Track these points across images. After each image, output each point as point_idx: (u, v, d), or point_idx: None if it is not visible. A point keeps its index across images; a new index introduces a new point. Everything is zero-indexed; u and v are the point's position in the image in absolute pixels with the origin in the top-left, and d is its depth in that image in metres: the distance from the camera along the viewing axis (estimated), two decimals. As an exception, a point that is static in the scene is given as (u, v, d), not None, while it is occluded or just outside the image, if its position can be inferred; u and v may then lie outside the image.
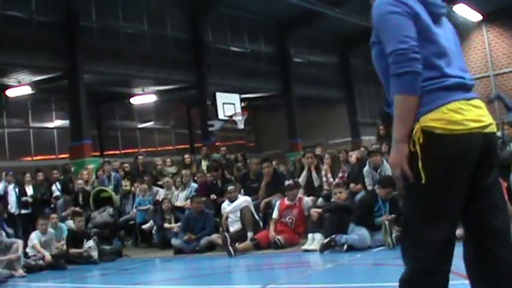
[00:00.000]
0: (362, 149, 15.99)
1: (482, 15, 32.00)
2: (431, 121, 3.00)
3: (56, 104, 27.51)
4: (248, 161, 16.38)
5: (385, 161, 11.86)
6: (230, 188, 13.07)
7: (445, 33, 3.26)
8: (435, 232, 3.01)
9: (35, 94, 25.16)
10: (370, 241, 9.66)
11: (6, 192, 16.44)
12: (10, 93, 24.22)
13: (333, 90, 35.56)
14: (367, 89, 37.37)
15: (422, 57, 3.03)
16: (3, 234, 12.49)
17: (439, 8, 3.29)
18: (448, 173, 2.99)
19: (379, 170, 11.71)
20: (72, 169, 18.77)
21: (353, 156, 14.31)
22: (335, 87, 35.66)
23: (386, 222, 9.61)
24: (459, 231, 3.41)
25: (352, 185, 12.31)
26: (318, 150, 17.93)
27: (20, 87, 23.78)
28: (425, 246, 3.01)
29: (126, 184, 17.16)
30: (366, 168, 12.06)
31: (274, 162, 16.02)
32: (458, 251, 3.10)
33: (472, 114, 3.06)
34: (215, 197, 14.73)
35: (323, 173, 13.11)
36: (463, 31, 33.83)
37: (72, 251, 12.95)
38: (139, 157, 18.24)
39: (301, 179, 13.04)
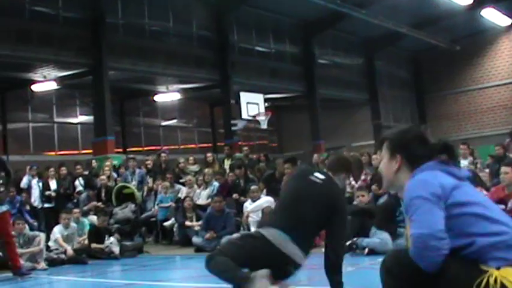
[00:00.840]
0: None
1: (511, 19, 31.76)
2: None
3: (80, 99, 27.67)
4: (276, 161, 16.30)
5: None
6: (253, 187, 13.06)
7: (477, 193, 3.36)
8: None
9: (60, 89, 25.33)
10: (392, 245, 9.58)
11: (30, 186, 16.55)
12: (35, 88, 24.40)
13: (357, 93, 35.45)
14: (391, 92, 37.27)
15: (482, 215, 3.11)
16: (27, 227, 12.58)
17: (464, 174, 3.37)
18: None
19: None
20: (95, 165, 18.88)
21: (376, 159, 14.22)
22: (359, 89, 35.54)
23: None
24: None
25: (374, 188, 12.23)
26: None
27: (46, 83, 23.94)
28: None
29: (148, 181, 17.22)
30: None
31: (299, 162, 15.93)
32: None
33: None
34: (237, 197, 14.72)
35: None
36: (491, 36, 33.67)
37: (94, 245, 13.03)
38: (162, 154, 18.29)
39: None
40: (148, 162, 18.49)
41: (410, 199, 3.16)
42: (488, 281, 2.96)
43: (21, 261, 10.97)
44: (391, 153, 3.45)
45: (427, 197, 3.09)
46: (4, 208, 10.55)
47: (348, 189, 12.68)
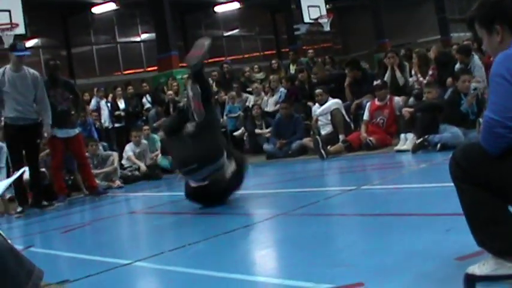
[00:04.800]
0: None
1: None
2: None
3: (140, 18, 27.71)
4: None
5: (476, 56, 11.54)
6: (317, 91, 12.92)
7: None
8: None
9: (120, 10, 25.41)
10: (464, 139, 9.37)
11: (99, 107, 16.77)
12: (96, 10, 24.53)
13: (420, -13, 34.57)
14: (456, -17, 36.19)
15: None
16: (100, 147, 12.82)
17: None
18: None
19: (468, 66, 11.39)
20: (162, 80, 19.00)
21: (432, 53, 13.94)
22: (422, -17, 34.64)
23: (480, 119, 9.30)
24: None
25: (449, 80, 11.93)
26: (402, 51, 17.43)
27: (105, 4, 24.07)
28: None
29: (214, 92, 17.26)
30: (458, 65, 11.76)
31: (363, 63, 15.66)
32: None
33: None
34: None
35: (413, 72, 12.85)
36: None
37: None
38: (224, 65, 18.26)
39: (386, 79, 12.78)
40: (215, 73, 18.49)
41: (492, 75, 2.96)
42: None
43: (97, 181, 11.23)
44: (486, 29, 3.13)
45: (508, 78, 2.87)
46: (76, 131, 10.73)
47: (416, 85, 12.49)
